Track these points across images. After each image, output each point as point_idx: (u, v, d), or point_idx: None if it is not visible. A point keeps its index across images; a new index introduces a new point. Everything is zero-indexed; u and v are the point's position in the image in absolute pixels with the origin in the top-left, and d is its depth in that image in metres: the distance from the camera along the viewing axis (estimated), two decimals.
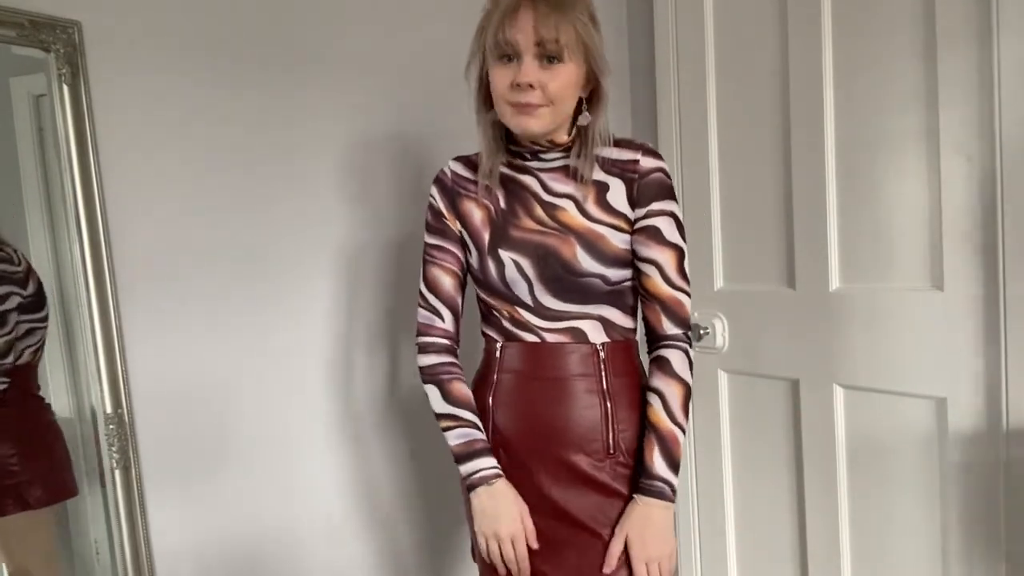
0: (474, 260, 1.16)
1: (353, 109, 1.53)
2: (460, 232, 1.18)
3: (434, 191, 1.20)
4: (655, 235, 1.11)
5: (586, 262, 1.10)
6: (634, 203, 1.12)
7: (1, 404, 1.17)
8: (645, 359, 1.19)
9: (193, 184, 1.34)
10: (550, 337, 1.13)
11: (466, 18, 1.17)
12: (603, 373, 1.13)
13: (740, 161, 1.69)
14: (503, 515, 1.10)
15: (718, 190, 1.73)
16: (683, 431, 1.12)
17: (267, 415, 1.45)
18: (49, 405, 1.22)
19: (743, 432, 1.75)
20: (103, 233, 1.22)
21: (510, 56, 1.03)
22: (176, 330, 1.32)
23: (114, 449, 1.24)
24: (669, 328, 1.14)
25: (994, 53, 1.25)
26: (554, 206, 1.12)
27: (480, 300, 1.20)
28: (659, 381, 1.13)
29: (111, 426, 1.23)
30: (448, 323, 1.18)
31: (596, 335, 1.13)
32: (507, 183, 1.16)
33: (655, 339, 1.16)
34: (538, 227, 1.12)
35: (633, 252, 1.14)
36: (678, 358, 1.13)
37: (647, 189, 1.11)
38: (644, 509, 1.09)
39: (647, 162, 1.12)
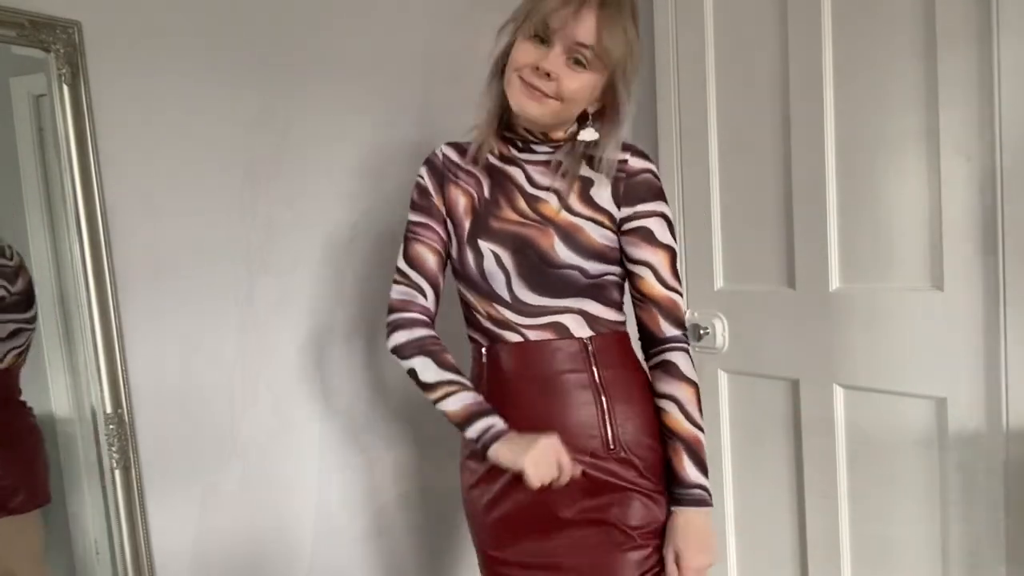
0: (453, 250, 1.15)
1: (355, 110, 1.53)
2: (445, 216, 1.16)
3: (423, 171, 1.18)
4: (647, 236, 1.11)
5: (563, 253, 1.08)
6: (619, 201, 1.11)
7: None
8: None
9: (193, 184, 1.34)
10: (533, 335, 1.10)
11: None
12: (593, 367, 1.10)
13: (740, 161, 1.68)
14: (530, 440, 1.03)
15: (718, 190, 1.73)
16: (703, 431, 1.11)
17: (267, 415, 1.45)
18: (31, 409, 1.20)
19: (743, 432, 1.75)
20: (103, 233, 1.22)
21: (543, 39, 1.03)
22: (176, 330, 1.32)
23: (114, 449, 1.24)
24: (668, 330, 1.13)
25: (994, 53, 1.25)
26: (536, 198, 1.11)
27: (461, 300, 1.18)
28: (670, 386, 1.11)
29: (111, 426, 1.23)
30: (430, 302, 1.14)
31: (580, 329, 1.11)
32: (494, 173, 1.15)
33: (655, 342, 1.14)
34: (519, 219, 1.11)
35: (624, 254, 1.13)
36: (683, 360, 1.12)
37: (635, 189, 1.11)
38: (686, 518, 1.08)
39: (636, 162, 1.12)
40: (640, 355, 1.20)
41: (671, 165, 1.79)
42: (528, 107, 1.05)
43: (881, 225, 1.44)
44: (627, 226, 1.11)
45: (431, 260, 1.14)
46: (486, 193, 1.14)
